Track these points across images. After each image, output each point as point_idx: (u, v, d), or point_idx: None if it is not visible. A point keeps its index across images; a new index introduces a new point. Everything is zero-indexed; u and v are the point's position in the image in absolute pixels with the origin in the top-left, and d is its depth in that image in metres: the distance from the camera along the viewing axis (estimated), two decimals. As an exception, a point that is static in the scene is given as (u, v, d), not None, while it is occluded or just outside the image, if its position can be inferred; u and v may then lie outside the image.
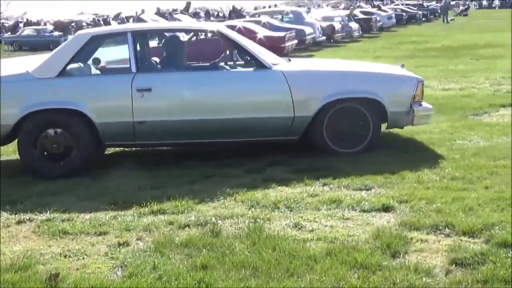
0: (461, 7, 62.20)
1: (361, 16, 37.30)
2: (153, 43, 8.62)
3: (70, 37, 9.39)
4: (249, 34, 18.89)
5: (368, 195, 5.40)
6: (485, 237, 4.28)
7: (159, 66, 7.40)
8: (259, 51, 7.27)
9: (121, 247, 4.46)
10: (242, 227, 4.70)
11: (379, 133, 7.06)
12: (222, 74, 7.27)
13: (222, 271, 3.91)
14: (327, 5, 71.91)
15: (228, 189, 5.77)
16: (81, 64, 7.19)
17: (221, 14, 48.44)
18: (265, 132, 6.90)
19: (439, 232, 4.47)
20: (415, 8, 53.72)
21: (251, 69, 7.04)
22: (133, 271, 3.97)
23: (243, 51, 7.25)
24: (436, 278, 3.74)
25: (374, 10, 43.91)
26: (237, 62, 7.75)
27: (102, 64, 7.62)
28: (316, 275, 3.79)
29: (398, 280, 3.69)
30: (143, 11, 30.15)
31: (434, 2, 69.74)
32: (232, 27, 19.20)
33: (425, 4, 62.86)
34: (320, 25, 27.44)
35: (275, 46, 18.91)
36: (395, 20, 42.43)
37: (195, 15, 36.58)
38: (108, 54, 8.15)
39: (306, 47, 23.93)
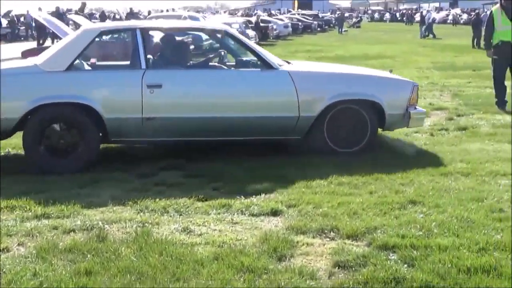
0: (354, 19, 64.32)
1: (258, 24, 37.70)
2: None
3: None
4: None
5: (257, 200, 5.45)
6: (367, 240, 4.42)
7: (168, 63, 7.33)
8: (264, 52, 7.36)
9: (0, 253, 4.27)
10: (130, 232, 4.63)
11: (376, 134, 7.33)
12: (231, 73, 7.38)
13: (107, 276, 3.83)
14: (224, 12, 72.36)
15: (117, 193, 5.68)
16: (90, 59, 7.23)
17: (117, 16, 47.64)
18: (270, 131, 7.03)
19: (324, 235, 4.57)
20: (310, 18, 55.02)
21: (258, 69, 7.13)
22: (12, 278, 3.81)
23: (251, 51, 7.28)
24: (320, 280, 3.82)
25: (270, 18, 44.58)
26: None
27: (111, 59, 7.46)
28: (203, 279, 3.79)
29: (283, 283, 3.74)
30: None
31: (329, 13, 71.86)
32: (127, 30, 19.02)
33: (320, 15, 64.57)
34: (218, 31, 27.51)
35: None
36: (291, 29, 43.28)
37: (90, 16, 35.73)
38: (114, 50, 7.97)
39: (203, 52, 23.88)
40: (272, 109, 6.95)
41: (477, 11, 42.19)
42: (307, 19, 53.76)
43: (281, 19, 45.53)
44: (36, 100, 6.52)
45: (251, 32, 32.42)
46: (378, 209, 5.08)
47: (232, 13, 68.80)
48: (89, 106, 6.59)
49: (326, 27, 57.70)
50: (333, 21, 62.29)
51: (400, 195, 5.46)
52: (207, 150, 7.27)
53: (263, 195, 5.61)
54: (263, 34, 35.44)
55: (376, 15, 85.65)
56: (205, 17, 36.92)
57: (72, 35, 7.41)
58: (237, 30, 30.14)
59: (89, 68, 7.20)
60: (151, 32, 8.28)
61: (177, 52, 7.55)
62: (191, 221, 4.90)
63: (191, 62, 7.72)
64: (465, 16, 61.55)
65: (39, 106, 6.52)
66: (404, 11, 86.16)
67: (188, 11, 50.62)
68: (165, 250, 4.18)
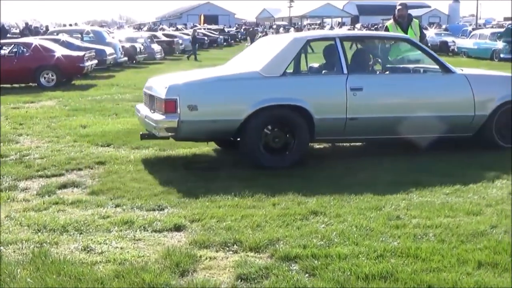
0: (259, 34, 64.99)
1: (164, 38, 37.54)
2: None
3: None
4: (46, 52, 18.18)
5: (160, 215, 5.39)
6: (270, 252, 4.46)
7: (365, 68, 8.18)
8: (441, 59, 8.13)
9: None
10: (26, 253, 4.46)
11: None
12: (418, 76, 8.19)
13: (1, 300, 3.67)
14: (128, 26, 71.56)
15: (14, 213, 5.48)
16: (300, 65, 8.10)
17: (16, 30, 46.10)
18: (449, 129, 7.66)
19: (227, 249, 4.57)
20: (216, 33, 55.28)
21: (440, 73, 7.88)
22: None
23: (431, 57, 8.03)
24: (223, 294, 3.82)
25: (176, 33, 44.45)
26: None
27: (317, 65, 8.27)
28: (103, 298, 3.70)
29: (185, 298, 3.71)
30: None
31: (234, 28, 72.43)
32: (26, 45, 18.45)
33: (226, 29, 64.98)
34: (122, 46, 27.16)
35: (73, 65, 18.38)
36: (197, 44, 43.22)
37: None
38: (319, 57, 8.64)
39: (107, 67, 23.51)
40: (452, 109, 7.69)
41: (376, 26, 43.69)
42: (213, 33, 53.99)
43: (187, 34, 45.48)
44: (258, 103, 7.08)
45: (156, 47, 32.23)
46: (281, 221, 5.13)
47: (137, 27, 68.05)
48: (303, 107, 7.15)
49: (232, 41, 58.13)
50: (242, 36, 63.07)
51: (302, 206, 5.55)
52: (108, 166, 7.15)
53: (166, 210, 5.56)
54: (168, 48, 35.20)
55: (281, 30, 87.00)
56: (110, 31, 36.31)
57: (282, 43, 7.88)
58: (142, 44, 29.96)
59: (299, 73, 7.98)
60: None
61: (370, 58, 8.49)
62: (91, 240, 4.77)
63: (383, 67, 8.61)
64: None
65: (260, 109, 7.05)
66: (307, 26, 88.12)
67: (91, 25, 49.63)
68: (63, 270, 4.06)
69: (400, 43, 9.03)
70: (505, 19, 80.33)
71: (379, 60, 8.74)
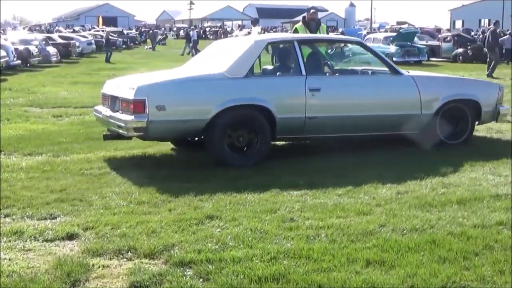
0: (159, 36, 64.44)
1: (60, 40, 36.50)
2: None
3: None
4: None
5: (52, 224, 5.24)
6: (165, 258, 4.44)
7: (321, 70, 8.61)
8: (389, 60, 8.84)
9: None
10: None
11: (474, 128, 8.74)
12: (370, 78, 8.77)
13: None
14: (24, 28, 69.19)
15: None
16: (262, 66, 8.39)
17: None
18: (398, 127, 8.19)
19: (122, 256, 4.51)
20: (115, 35, 54.26)
21: (389, 74, 8.40)
22: None
23: (382, 60, 8.60)
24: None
25: (73, 35, 43.34)
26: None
27: (277, 67, 8.57)
28: (-11, 313, 3.56)
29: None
30: None
31: (133, 30, 71.49)
32: None
33: (125, 31, 63.97)
34: (15, 48, 26.20)
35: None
36: (95, 46, 42.34)
37: None
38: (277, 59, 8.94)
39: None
40: (401, 108, 8.22)
41: (275, 29, 44.31)
42: (111, 35, 52.91)
43: (84, 36, 44.42)
44: (223, 103, 7.32)
45: (52, 49, 31.31)
46: (177, 226, 5.12)
47: (32, 29, 65.82)
48: (265, 107, 7.44)
49: (132, 44, 57.28)
50: (142, 38, 62.32)
51: (198, 211, 5.55)
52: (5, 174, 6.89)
53: (58, 219, 5.43)
54: (65, 51, 34.24)
55: (182, 33, 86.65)
56: (2, 33, 34.94)
57: (244, 45, 8.14)
58: (37, 47, 29.01)
59: (260, 74, 8.23)
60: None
61: (325, 60, 8.96)
62: (-22, 252, 4.59)
63: (337, 69, 9.24)
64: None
65: (225, 109, 7.27)
66: (208, 28, 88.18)
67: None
68: None
69: (353, 46, 9.72)
70: (398, 23, 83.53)
71: (328, 62, 9.21)
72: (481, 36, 35.88)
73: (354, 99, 8.16)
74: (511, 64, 27.16)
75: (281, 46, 8.75)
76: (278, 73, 8.31)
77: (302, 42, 8.32)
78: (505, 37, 30.29)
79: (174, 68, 9.18)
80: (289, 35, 9.19)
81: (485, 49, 22.95)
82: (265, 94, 7.59)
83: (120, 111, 7.46)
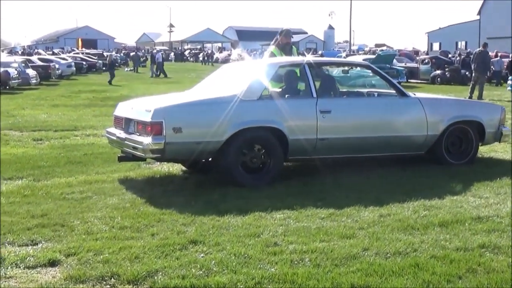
0: (140, 59, 64.37)
1: (39, 63, 36.34)
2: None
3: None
4: None
5: (34, 251, 5.18)
6: (148, 284, 4.41)
7: (332, 92, 8.67)
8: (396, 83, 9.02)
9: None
10: None
11: (478, 148, 8.98)
12: (379, 100, 8.95)
13: None
14: (3, 50, 68.85)
15: None
16: (274, 89, 8.35)
17: None
18: (405, 148, 8.52)
19: (105, 283, 4.47)
20: (95, 57, 54.20)
21: (396, 96, 8.61)
22: None
23: (389, 82, 8.79)
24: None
25: (53, 57, 43.16)
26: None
27: (288, 89, 8.56)
28: None
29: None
30: None
31: (114, 52, 71.37)
32: None
33: (105, 54, 63.85)
34: (-6, 71, 26.04)
35: None
36: (75, 69, 42.20)
37: None
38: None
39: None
40: (408, 129, 8.45)
41: (255, 51, 44.51)
42: (92, 58, 52.89)
43: (64, 58, 44.28)
44: (238, 124, 7.50)
45: (31, 72, 31.16)
46: (160, 252, 5.09)
47: (11, 51, 65.55)
48: (278, 129, 7.67)
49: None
50: (122, 60, 62.27)
51: (181, 236, 5.53)
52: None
53: (40, 245, 5.36)
54: (44, 73, 34.07)
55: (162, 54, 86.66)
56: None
57: (256, 68, 8.53)
58: (16, 69, 28.86)
59: (273, 97, 8.12)
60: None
61: (334, 83, 9.00)
62: (-42, 280, 4.52)
63: (345, 91, 9.48)
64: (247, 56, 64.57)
65: (241, 130, 7.46)
66: (188, 50, 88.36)
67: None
68: None
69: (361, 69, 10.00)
70: (377, 45, 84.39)
71: (337, 85, 9.27)
72: (458, 58, 36.30)
73: (363, 120, 8.36)
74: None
75: (291, 69, 8.88)
76: (289, 96, 8.43)
77: (312, 65, 8.48)
78: (496, 59, 30.69)
79: (185, 91, 9.31)
80: (299, 59, 9.25)
81: (473, 70, 22.55)
82: (278, 116, 7.77)
83: (136, 133, 7.62)
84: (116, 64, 59.07)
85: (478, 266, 4.65)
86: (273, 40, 11.33)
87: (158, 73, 40.79)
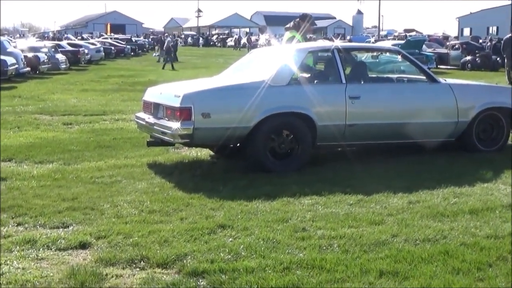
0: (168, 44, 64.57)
1: (69, 48, 36.66)
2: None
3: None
4: None
5: (65, 233, 5.25)
6: (177, 268, 4.44)
7: (361, 78, 8.54)
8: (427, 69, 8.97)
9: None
10: None
11: (509, 135, 8.82)
12: (409, 85, 8.81)
13: None
14: (33, 35, 69.53)
15: None
16: (303, 74, 8.23)
17: None
18: (435, 134, 8.40)
19: (134, 266, 4.52)
20: (123, 43, 54.50)
21: (426, 82, 8.50)
22: None
23: (419, 68, 8.69)
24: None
25: (82, 42, 43.48)
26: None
27: (317, 75, 8.59)
28: (3, 323, 3.58)
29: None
30: None
31: (142, 37, 71.64)
32: None
33: (133, 39, 64.20)
34: (25, 56, 26.32)
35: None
36: (103, 54, 42.49)
37: None
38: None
39: (8, 78, 22.70)
40: (438, 115, 8.32)
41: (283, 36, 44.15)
42: (120, 43, 53.18)
43: (93, 43, 44.59)
44: (266, 110, 7.49)
45: (61, 56, 31.44)
46: (189, 235, 5.12)
47: (41, 36, 66.15)
48: (307, 115, 7.60)
49: (140, 51, 57.47)
50: (150, 45, 62.26)
51: (210, 220, 5.56)
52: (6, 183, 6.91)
53: (71, 227, 5.44)
54: (74, 58, 34.36)
55: (190, 40, 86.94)
56: (11, 40, 35.11)
57: (285, 54, 8.39)
58: (46, 54, 29.14)
59: (302, 83, 8.04)
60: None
61: (364, 68, 8.89)
62: (-9, 261, 4.60)
63: (375, 77, 9.41)
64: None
65: (269, 116, 7.45)
66: (216, 36, 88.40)
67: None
68: (-39, 295, 3.90)
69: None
70: (406, 30, 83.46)
71: (367, 70, 9.13)
72: (489, 44, 35.79)
73: (393, 106, 8.28)
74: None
75: (321, 54, 8.87)
76: (318, 82, 8.41)
77: (341, 50, 8.39)
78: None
79: (213, 76, 9.33)
80: (328, 44, 9.21)
81: (504, 56, 22.05)
82: (307, 102, 7.74)
83: (165, 118, 7.66)
84: (144, 49, 59.45)
85: (508, 254, 4.61)
86: (291, 24, 11.03)
87: (169, 60, 38.72)
